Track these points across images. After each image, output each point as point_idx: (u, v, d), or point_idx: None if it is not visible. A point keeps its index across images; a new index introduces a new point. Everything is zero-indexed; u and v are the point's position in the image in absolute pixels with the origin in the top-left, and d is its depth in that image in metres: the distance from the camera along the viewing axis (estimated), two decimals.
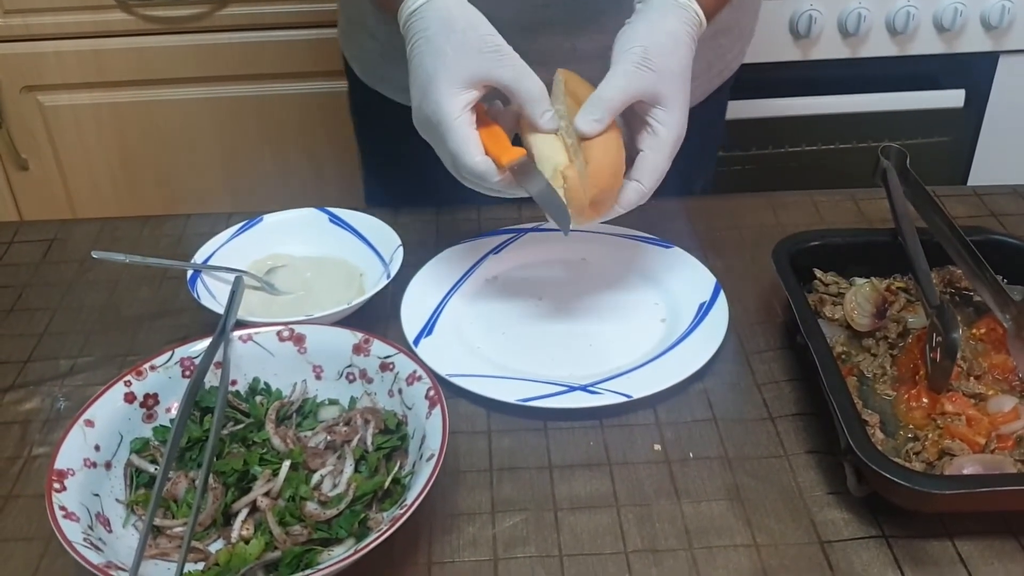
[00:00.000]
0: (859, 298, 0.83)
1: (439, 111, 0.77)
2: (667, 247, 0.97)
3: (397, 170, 1.15)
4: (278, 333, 0.79)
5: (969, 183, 1.66)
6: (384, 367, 0.76)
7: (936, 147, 1.63)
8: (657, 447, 0.76)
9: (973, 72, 1.62)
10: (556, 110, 0.81)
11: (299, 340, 0.79)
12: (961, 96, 1.60)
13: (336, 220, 0.98)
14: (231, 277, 0.89)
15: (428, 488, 0.64)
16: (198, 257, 0.93)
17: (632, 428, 0.78)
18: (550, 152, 0.79)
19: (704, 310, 0.89)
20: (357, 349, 0.78)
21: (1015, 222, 1.00)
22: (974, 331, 0.82)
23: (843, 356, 0.82)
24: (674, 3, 0.81)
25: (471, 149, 0.77)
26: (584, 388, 0.80)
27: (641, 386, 0.80)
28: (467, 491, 0.73)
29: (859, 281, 0.87)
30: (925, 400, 0.75)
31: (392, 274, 0.89)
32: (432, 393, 0.72)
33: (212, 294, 0.89)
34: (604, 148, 0.78)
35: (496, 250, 0.98)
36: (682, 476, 0.74)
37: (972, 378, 0.77)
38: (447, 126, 0.77)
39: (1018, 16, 1.56)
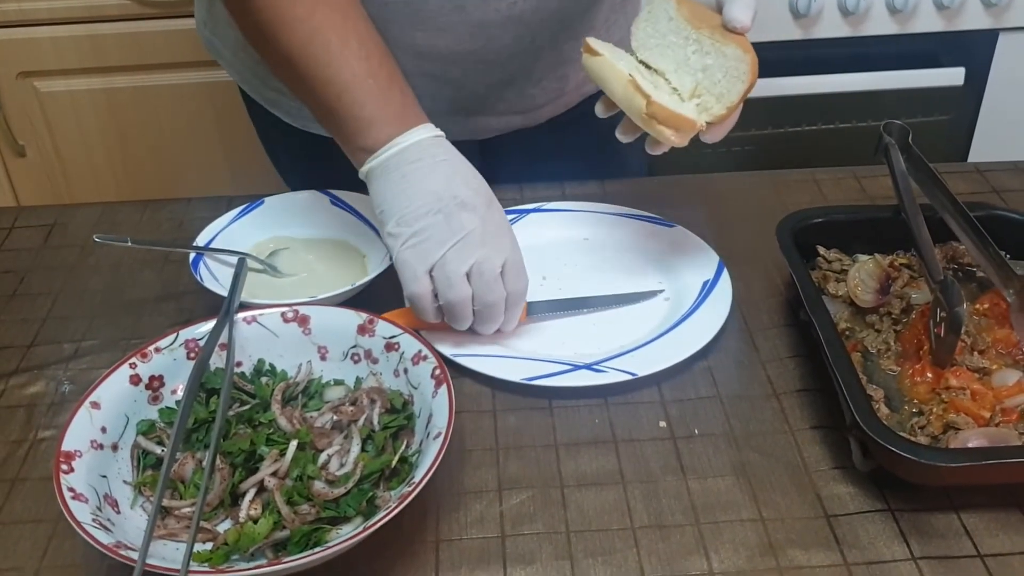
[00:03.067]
0: (862, 274, 0.84)
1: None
2: (670, 226, 0.97)
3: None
4: (282, 314, 0.79)
5: (969, 161, 1.66)
6: (389, 347, 0.76)
7: (937, 125, 1.62)
8: (662, 424, 0.77)
9: (973, 50, 1.61)
10: (669, 33, 0.82)
11: (303, 321, 0.79)
12: (961, 74, 1.59)
13: (337, 202, 0.98)
14: (234, 260, 0.89)
15: (436, 466, 0.64)
16: (200, 240, 0.93)
17: (637, 406, 0.78)
18: (628, 102, 0.79)
19: (708, 288, 0.89)
20: (362, 329, 0.78)
21: (1017, 198, 1.00)
22: (977, 306, 0.82)
23: (847, 332, 0.82)
24: None
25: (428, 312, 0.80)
26: (589, 367, 0.81)
27: (645, 364, 0.80)
28: (473, 469, 0.73)
29: (862, 258, 0.87)
30: (929, 375, 0.75)
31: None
32: (438, 372, 0.72)
33: (215, 277, 0.88)
34: (747, 42, 0.80)
35: None
36: (688, 452, 0.74)
37: (976, 352, 0.77)
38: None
39: None
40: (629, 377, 0.79)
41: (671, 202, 1.01)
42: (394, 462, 0.69)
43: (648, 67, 0.84)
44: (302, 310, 0.80)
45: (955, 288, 0.75)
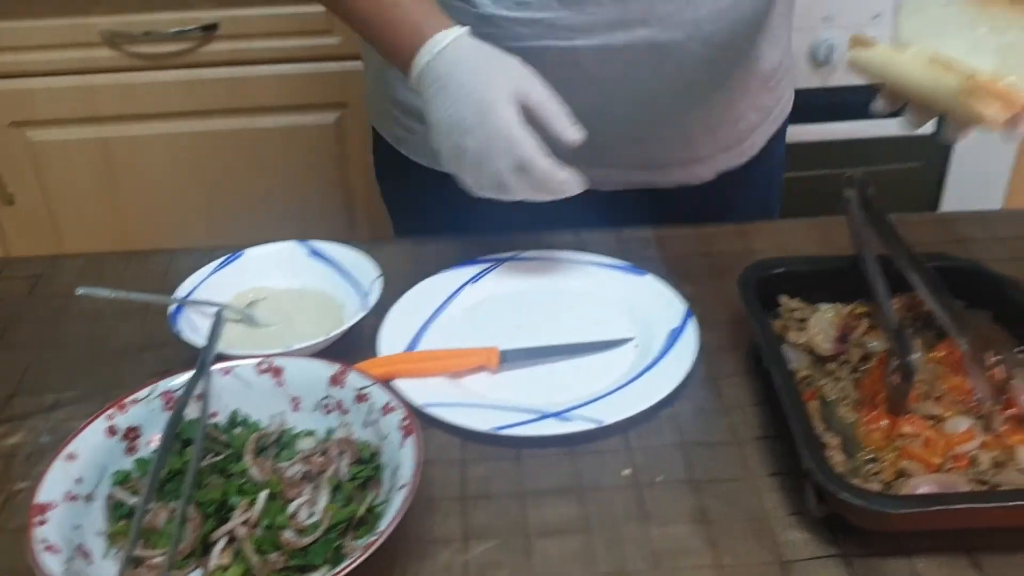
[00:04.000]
0: (822, 323, 0.86)
1: (505, 128, 0.84)
2: (641, 274, 1.00)
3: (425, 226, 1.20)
4: (257, 366, 0.81)
5: (942, 208, 1.69)
6: (360, 398, 0.79)
7: (908, 173, 1.65)
8: (627, 472, 0.79)
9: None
10: (948, 19, 0.78)
11: (277, 372, 0.81)
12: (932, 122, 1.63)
13: (316, 253, 1.01)
14: (213, 311, 0.91)
15: (400, 516, 0.66)
16: (180, 291, 0.95)
17: (603, 454, 0.80)
18: (933, 85, 0.74)
19: (674, 336, 0.91)
20: (334, 380, 0.80)
21: (980, 247, 1.02)
22: (934, 354, 0.85)
23: (807, 380, 0.84)
24: None
25: (540, 155, 0.84)
26: (556, 415, 0.83)
27: (611, 412, 0.82)
28: (441, 518, 0.75)
29: (823, 307, 0.89)
30: (884, 422, 0.78)
31: (370, 305, 0.91)
32: (406, 423, 0.74)
33: (195, 327, 0.91)
34: None
35: (474, 279, 1.01)
36: (651, 500, 0.76)
37: (931, 400, 0.79)
38: (516, 140, 0.84)
39: None
40: (595, 425, 0.81)
41: (642, 251, 1.04)
42: (361, 512, 0.71)
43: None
44: (276, 361, 0.82)
45: (908, 338, 0.77)
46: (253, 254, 1.01)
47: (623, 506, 0.75)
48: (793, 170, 1.58)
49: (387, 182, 1.24)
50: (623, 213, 1.09)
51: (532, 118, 0.86)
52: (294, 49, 1.72)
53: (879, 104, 0.81)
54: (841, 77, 1.58)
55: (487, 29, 0.94)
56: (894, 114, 0.81)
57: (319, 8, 1.67)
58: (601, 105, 1.00)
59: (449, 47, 0.87)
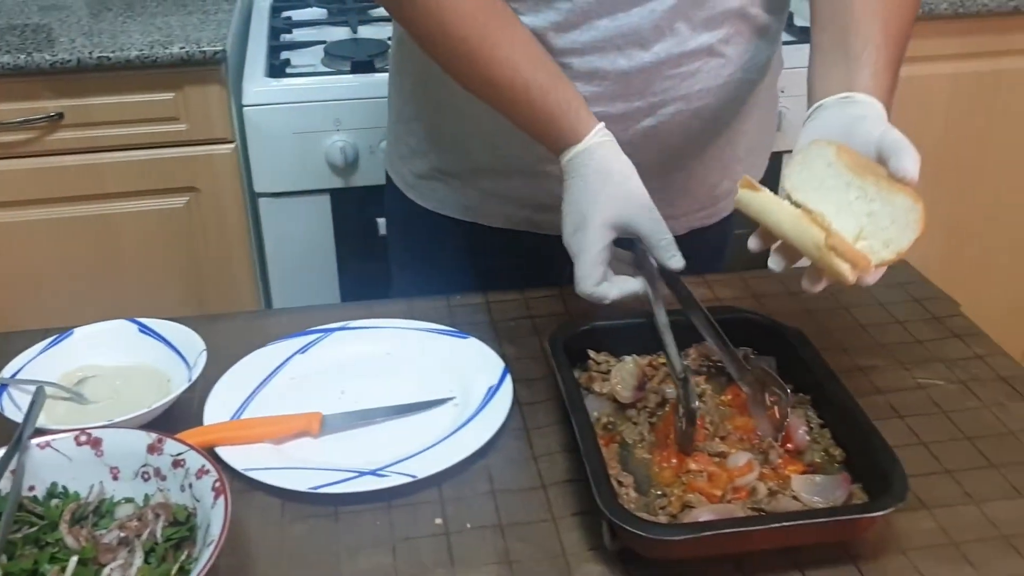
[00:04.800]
0: (623, 373, 0.93)
1: (583, 244, 0.94)
2: (464, 338, 1.05)
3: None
4: (75, 438, 0.83)
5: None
6: (176, 464, 0.81)
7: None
8: (438, 521, 0.83)
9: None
10: (828, 178, 0.85)
11: (96, 444, 0.83)
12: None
13: (145, 329, 1.03)
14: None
15: (205, 571, 0.69)
16: (7, 371, 0.96)
17: (417, 506, 0.84)
18: (799, 235, 0.83)
19: (492, 392, 0.96)
20: (151, 449, 0.82)
21: (772, 301, 1.11)
22: (723, 397, 0.92)
23: (609, 425, 0.90)
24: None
25: (594, 278, 0.93)
26: (373, 472, 0.86)
27: (426, 467, 0.87)
28: None
29: (626, 359, 0.96)
30: (674, 460, 0.84)
31: (193, 378, 0.94)
32: (217, 484, 0.77)
33: (20, 406, 0.92)
34: (915, 192, 0.84)
35: (303, 350, 1.04)
36: (459, 545, 0.80)
37: (717, 439, 0.86)
38: (584, 256, 0.94)
39: None
40: (410, 480, 0.85)
41: (468, 317, 1.10)
42: (174, 571, 0.73)
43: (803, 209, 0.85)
44: (95, 433, 0.84)
45: (691, 385, 0.84)
46: (82, 333, 1.03)
47: (432, 553, 0.79)
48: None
49: (393, 225, 1.33)
50: None
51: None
52: (141, 136, 1.74)
53: (753, 241, 0.90)
54: (789, 143, 1.71)
55: None
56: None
57: (166, 95, 1.72)
58: None
59: (585, 152, 0.96)
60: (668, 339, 0.90)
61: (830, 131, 0.90)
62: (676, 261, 0.93)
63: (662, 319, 0.92)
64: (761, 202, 0.86)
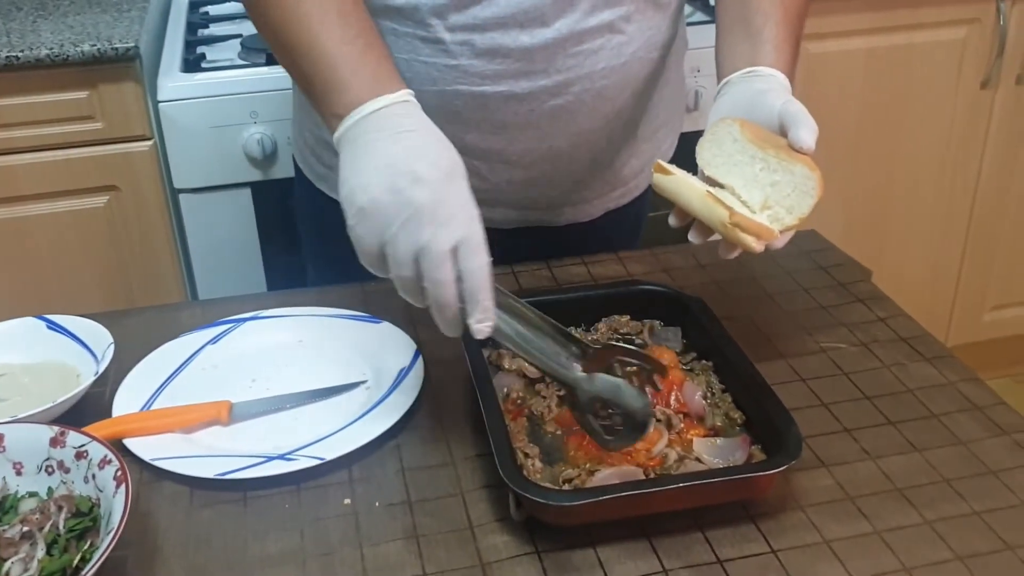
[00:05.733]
0: None
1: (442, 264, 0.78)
2: (377, 322, 1.06)
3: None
4: None
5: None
6: (79, 455, 0.81)
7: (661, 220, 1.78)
8: (347, 501, 0.83)
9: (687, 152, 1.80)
10: (735, 153, 0.91)
11: None
12: None
13: (53, 326, 1.02)
14: None
15: (102, 559, 0.68)
16: None
17: (327, 488, 0.85)
18: (708, 214, 0.89)
19: (403, 374, 0.97)
20: (54, 442, 0.82)
21: (681, 275, 1.13)
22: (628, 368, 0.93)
23: (518, 400, 0.91)
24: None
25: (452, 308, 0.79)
26: (281, 456, 0.87)
27: (335, 449, 0.87)
28: (162, 564, 0.77)
29: None
30: (587, 441, 0.85)
31: (100, 371, 0.93)
32: (119, 473, 0.77)
33: None
34: (812, 161, 0.89)
35: (214, 340, 1.04)
36: (367, 524, 0.81)
37: None
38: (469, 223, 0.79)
39: None
40: (319, 462, 0.86)
41: (382, 301, 1.10)
42: (76, 561, 0.73)
43: (715, 184, 0.92)
44: None
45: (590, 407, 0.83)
46: None
47: (339, 532, 0.80)
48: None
49: (305, 218, 1.30)
50: (518, 250, 1.17)
51: None
52: (55, 136, 1.72)
53: (672, 219, 0.94)
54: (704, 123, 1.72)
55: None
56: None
57: (79, 94, 1.70)
58: (502, 148, 1.08)
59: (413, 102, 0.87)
60: (541, 358, 0.85)
61: (737, 105, 0.96)
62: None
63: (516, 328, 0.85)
64: (674, 184, 0.92)
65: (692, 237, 0.93)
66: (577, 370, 0.85)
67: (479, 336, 0.80)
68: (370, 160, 0.81)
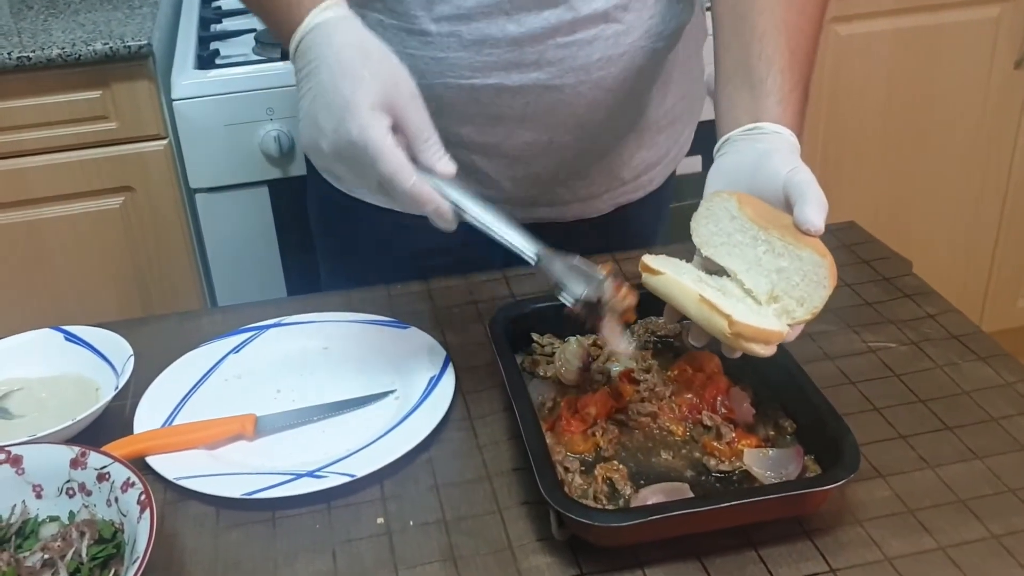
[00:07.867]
0: (567, 355, 0.90)
1: (365, 135, 0.77)
2: (404, 328, 1.02)
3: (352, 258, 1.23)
4: None
5: None
6: (101, 478, 0.77)
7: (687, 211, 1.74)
8: (380, 520, 0.79)
9: (707, 140, 1.75)
10: (735, 232, 0.81)
11: (16, 462, 0.79)
12: (699, 161, 1.72)
13: (71, 337, 0.99)
14: None
15: None
16: None
17: (358, 506, 0.81)
18: (706, 322, 0.78)
19: (433, 383, 0.93)
20: (74, 463, 0.78)
21: None
22: (669, 373, 0.89)
23: (555, 409, 0.87)
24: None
25: (405, 174, 0.78)
26: (310, 474, 0.83)
27: (366, 465, 0.83)
28: None
29: (570, 339, 0.93)
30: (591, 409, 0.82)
31: (120, 385, 0.90)
32: (143, 497, 0.73)
33: None
34: (821, 243, 0.78)
35: (236, 349, 1.00)
36: (401, 544, 0.77)
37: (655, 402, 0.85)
38: (377, 150, 0.77)
39: None
40: (349, 479, 0.82)
41: (408, 306, 1.06)
42: None
43: (714, 266, 0.83)
44: (15, 451, 0.80)
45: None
46: (4, 345, 0.98)
47: (373, 555, 0.76)
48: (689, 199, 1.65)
49: (317, 215, 1.26)
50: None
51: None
52: (69, 136, 1.68)
53: (665, 317, 0.86)
54: None
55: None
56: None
57: (92, 93, 1.66)
58: (499, 142, 1.04)
59: (331, 23, 0.82)
60: (500, 225, 0.82)
61: (739, 170, 0.86)
62: (445, 164, 0.80)
63: (476, 210, 0.81)
64: (664, 286, 0.81)
65: (692, 340, 0.84)
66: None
67: (447, 175, 0.80)
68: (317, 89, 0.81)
